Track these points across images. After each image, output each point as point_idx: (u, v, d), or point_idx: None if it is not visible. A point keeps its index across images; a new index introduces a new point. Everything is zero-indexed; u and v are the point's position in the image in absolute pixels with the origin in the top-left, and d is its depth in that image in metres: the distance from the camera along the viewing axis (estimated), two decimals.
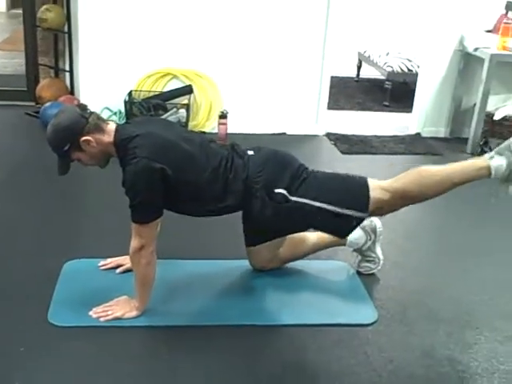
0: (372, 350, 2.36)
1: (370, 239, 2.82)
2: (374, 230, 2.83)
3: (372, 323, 2.52)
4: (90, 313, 2.42)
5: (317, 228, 2.65)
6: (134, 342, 2.34)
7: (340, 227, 2.58)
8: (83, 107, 2.45)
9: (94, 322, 2.38)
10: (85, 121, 2.37)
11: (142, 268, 2.40)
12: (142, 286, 2.44)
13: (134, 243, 2.37)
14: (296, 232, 2.69)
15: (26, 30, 4.94)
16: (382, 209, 2.54)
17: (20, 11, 5.15)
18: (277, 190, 2.47)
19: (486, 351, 2.39)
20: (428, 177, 2.49)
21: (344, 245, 2.84)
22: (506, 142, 2.44)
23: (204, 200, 2.48)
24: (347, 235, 2.69)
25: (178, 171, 2.37)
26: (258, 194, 2.47)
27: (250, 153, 2.58)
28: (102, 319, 2.40)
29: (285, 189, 2.48)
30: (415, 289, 2.81)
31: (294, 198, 2.47)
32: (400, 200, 2.52)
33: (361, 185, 2.54)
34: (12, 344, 2.24)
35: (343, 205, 2.48)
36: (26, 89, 5.05)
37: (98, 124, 2.41)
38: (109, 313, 2.42)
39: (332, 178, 2.62)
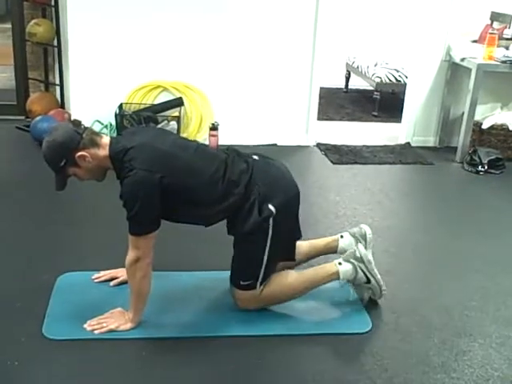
0: (367, 359, 2.36)
1: (362, 245, 2.82)
2: (364, 237, 2.84)
3: (366, 332, 2.53)
4: (85, 325, 2.42)
5: (238, 254, 2.58)
6: (129, 354, 2.33)
7: (242, 277, 2.56)
8: (77, 123, 2.46)
9: (88, 335, 2.38)
10: (79, 136, 2.37)
11: (138, 280, 2.40)
12: (137, 298, 2.43)
13: (131, 255, 2.37)
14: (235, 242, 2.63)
15: (15, 45, 4.95)
16: (255, 297, 2.57)
17: (9, 26, 5.15)
18: (270, 207, 2.45)
19: (480, 358, 2.40)
20: (289, 284, 2.62)
21: (335, 252, 2.85)
22: (351, 250, 2.70)
23: (204, 204, 2.46)
24: (233, 283, 2.61)
25: (176, 179, 2.37)
26: (252, 199, 2.45)
27: (255, 157, 2.59)
28: (96, 332, 2.39)
29: (276, 213, 2.46)
30: (408, 297, 2.82)
31: (270, 228, 2.46)
32: (260, 303, 2.60)
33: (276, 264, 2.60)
34: (6, 358, 2.23)
35: (268, 266, 2.51)
36: (15, 103, 5.05)
37: (93, 139, 2.41)
38: (103, 325, 2.41)
39: (293, 236, 2.68)
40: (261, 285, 2.55)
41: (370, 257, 2.68)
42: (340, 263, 2.67)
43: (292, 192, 2.58)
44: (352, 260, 2.66)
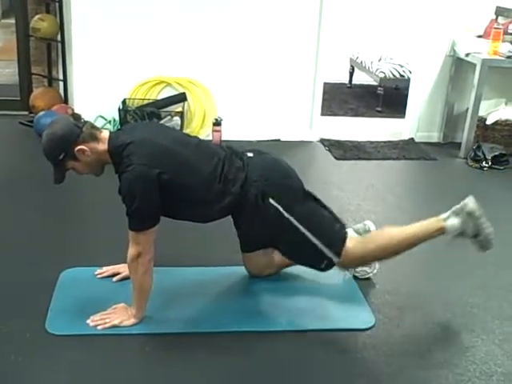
0: (370, 355, 2.36)
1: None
2: (368, 233, 2.85)
3: (369, 328, 2.52)
4: (88, 321, 2.42)
5: (288, 251, 2.62)
6: (132, 349, 2.33)
7: (311, 261, 2.58)
8: (77, 117, 2.46)
9: (91, 331, 2.38)
10: (79, 130, 2.37)
11: (140, 276, 2.40)
12: (139, 293, 2.44)
13: (132, 251, 2.37)
14: (277, 249, 2.67)
15: (18, 40, 4.94)
16: (344, 262, 2.57)
17: (12, 21, 5.15)
18: (271, 201, 2.46)
19: (483, 354, 2.40)
20: (390, 243, 2.60)
21: None
22: (462, 204, 2.59)
23: (202, 202, 2.47)
24: (312, 269, 2.63)
25: (175, 175, 2.37)
26: (252, 198, 2.46)
27: (250, 154, 2.59)
28: (99, 327, 2.39)
29: (279, 203, 2.46)
30: (411, 293, 2.82)
31: (286, 215, 2.47)
32: (361, 261, 2.66)
33: (341, 229, 2.59)
34: (10, 354, 2.23)
35: (324, 241, 2.50)
36: (19, 98, 5.05)
37: (92, 133, 2.41)
38: (106, 321, 2.42)
39: (321, 210, 2.62)
40: (338, 254, 2.51)
41: (479, 211, 2.56)
42: (446, 218, 2.59)
43: (290, 177, 2.58)
44: (460, 214, 2.57)
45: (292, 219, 2.47)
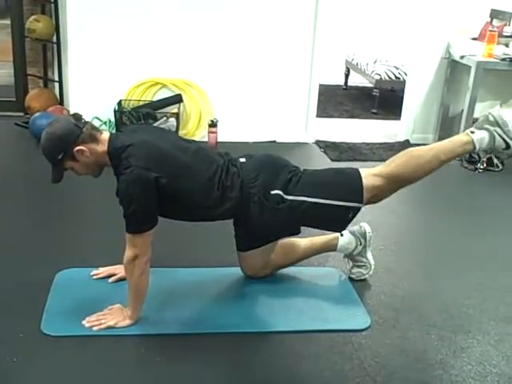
0: (365, 356, 2.36)
1: (361, 244, 2.84)
2: (364, 235, 2.86)
3: (365, 329, 2.52)
4: (83, 322, 2.41)
5: (314, 225, 2.65)
6: (127, 350, 2.33)
7: (337, 221, 2.58)
8: (78, 117, 2.45)
9: (87, 332, 2.37)
10: (79, 130, 2.37)
11: (136, 278, 2.40)
12: (135, 295, 2.43)
13: (128, 253, 2.37)
14: (293, 234, 2.69)
15: (14, 41, 4.94)
16: (377, 196, 2.57)
17: (8, 22, 5.14)
18: (273, 192, 2.49)
19: (479, 354, 2.40)
20: (417, 157, 2.54)
21: (335, 250, 2.86)
22: (483, 116, 2.53)
23: (200, 207, 2.48)
24: (344, 228, 2.67)
25: (173, 180, 2.37)
26: (255, 198, 2.48)
27: (242, 160, 2.60)
28: (95, 328, 2.39)
29: (280, 189, 2.49)
30: (407, 294, 2.82)
31: (290, 197, 2.49)
32: (393, 184, 2.56)
33: (353, 176, 2.56)
34: (5, 355, 2.22)
35: (338, 197, 2.50)
36: (14, 99, 5.04)
37: (92, 134, 2.40)
38: (102, 322, 2.41)
39: (324, 173, 2.66)
40: (359, 200, 2.51)
41: (507, 117, 2.46)
42: (473, 132, 2.50)
43: (276, 162, 2.61)
44: (486, 126, 2.48)
45: (297, 198, 2.48)
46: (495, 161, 4.19)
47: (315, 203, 2.49)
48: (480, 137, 2.50)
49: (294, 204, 2.49)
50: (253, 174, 2.53)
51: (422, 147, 2.61)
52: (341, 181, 2.58)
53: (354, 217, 2.58)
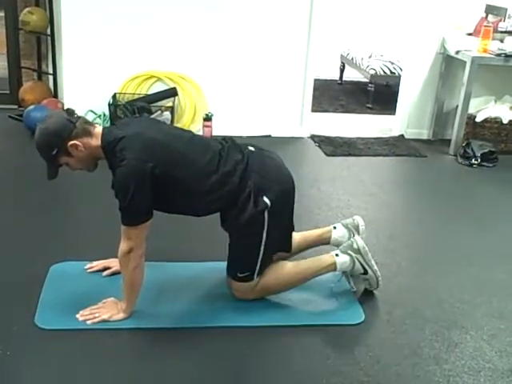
0: (359, 350, 2.37)
1: (353, 236, 2.82)
2: (357, 228, 2.86)
3: (359, 323, 2.53)
4: (77, 315, 2.41)
5: (236, 248, 2.56)
6: (121, 344, 2.33)
7: (239, 268, 2.55)
8: (71, 112, 2.44)
9: (80, 325, 2.37)
10: (72, 125, 2.36)
11: (131, 271, 2.39)
12: (129, 288, 2.43)
13: (123, 246, 2.37)
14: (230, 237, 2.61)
15: (8, 33, 4.91)
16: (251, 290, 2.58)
17: (2, 14, 5.11)
18: (265, 199, 2.44)
19: (472, 349, 2.41)
20: (285, 274, 2.63)
21: (328, 243, 2.87)
22: (349, 242, 2.72)
23: (196, 195, 2.45)
24: (231, 274, 2.60)
25: (168, 169, 2.36)
26: (247, 191, 2.44)
27: (251, 148, 2.58)
28: (88, 322, 2.39)
29: (271, 206, 2.44)
30: (401, 289, 2.83)
31: (266, 221, 2.45)
32: (257, 293, 2.61)
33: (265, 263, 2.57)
34: None
35: (264, 259, 2.51)
36: (8, 92, 5.02)
37: (86, 128, 2.39)
38: (96, 315, 2.41)
39: (286, 232, 2.70)
40: (257, 276, 2.55)
41: (367, 248, 2.69)
42: (337, 254, 2.68)
43: (287, 184, 2.57)
44: (349, 251, 2.68)
45: (266, 223, 2.45)
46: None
47: (260, 243, 2.48)
48: (343, 260, 2.67)
49: (258, 221, 2.44)
50: (258, 167, 2.49)
51: (290, 264, 2.66)
52: (275, 250, 2.62)
53: (237, 279, 2.55)
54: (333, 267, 2.67)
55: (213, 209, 2.54)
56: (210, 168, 2.44)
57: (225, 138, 2.63)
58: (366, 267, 2.68)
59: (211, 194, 2.45)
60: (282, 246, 2.70)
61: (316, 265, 2.67)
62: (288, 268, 2.64)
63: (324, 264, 2.67)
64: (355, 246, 2.68)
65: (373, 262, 2.69)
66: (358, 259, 2.67)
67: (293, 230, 2.74)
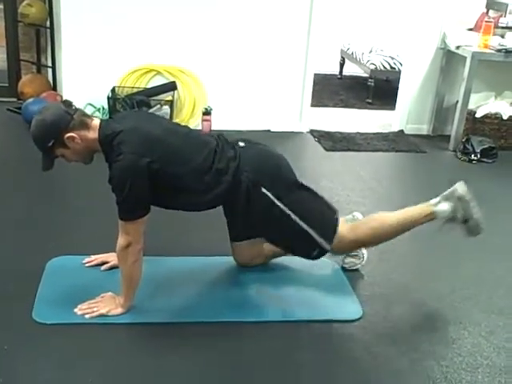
0: (357, 346, 2.37)
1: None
2: None
3: (357, 319, 2.53)
4: (75, 310, 2.41)
5: (282, 242, 2.63)
6: (119, 338, 2.33)
7: (301, 248, 2.59)
8: (68, 104, 2.44)
9: (78, 319, 2.37)
10: (69, 117, 2.35)
11: (129, 266, 2.39)
12: (128, 283, 2.43)
13: (121, 241, 2.36)
14: (268, 239, 2.67)
15: (7, 26, 4.89)
16: (338, 247, 2.59)
17: (1, 6, 5.09)
18: (264, 191, 2.46)
19: (470, 346, 2.41)
20: (383, 227, 2.63)
21: None
22: (452, 189, 2.63)
23: (193, 191, 2.45)
24: (304, 256, 2.65)
25: (165, 164, 2.35)
26: (243, 187, 2.46)
27: (241, 144, 2.58)
28: (87, 316, 2.38)
29: (271, 192, 2.47)
30: (400, 284, 2.83)
31: (279, 204, 2.47)
32: (355, 245, 2.67)
33: (332, 215, 2.59)
34: None
35: (316, 228, 2.51)
36: (7, 84, 5.01)
37: (83, 120, 2.39)
38: (94, 310, 2.41)
39: (312, 198, 2.63)
40: (330, 241, 2.53)
41: (469, 196, 2.60)
42: (437, 203, 2.63)
43: (281, 166, 2.58)
44: (450, 199, 2.61)
45: (283, 207, 2.48)
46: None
47: (295, 222, 2.49)
48: (442, 208, 2.61)
49: (277, 211, 2.47)
50: (250, 161, 2.50)
51: (387, 215, 2.66)
52: (323, 213, 2.60)
53: (316, 256, 2.58)
54: (432, 216, 2.61)
55: (209, 206, 2.55)
56: (206, 164, 2.44)
57: (218, 135, 2.63)
58: (468, 216, 2.59)
59: (206, 192, 2.46)
60: (325, 207, 2.61)
61: (415, 214, 2.63)
62: (384, 219, 2.63)
63: (424, 213, 2.62)
64: (457, 193, 2.60)
65: (476, 209, 2.59)
66: (459, 207, 2.58)
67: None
